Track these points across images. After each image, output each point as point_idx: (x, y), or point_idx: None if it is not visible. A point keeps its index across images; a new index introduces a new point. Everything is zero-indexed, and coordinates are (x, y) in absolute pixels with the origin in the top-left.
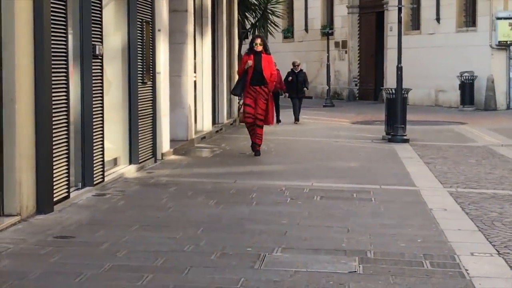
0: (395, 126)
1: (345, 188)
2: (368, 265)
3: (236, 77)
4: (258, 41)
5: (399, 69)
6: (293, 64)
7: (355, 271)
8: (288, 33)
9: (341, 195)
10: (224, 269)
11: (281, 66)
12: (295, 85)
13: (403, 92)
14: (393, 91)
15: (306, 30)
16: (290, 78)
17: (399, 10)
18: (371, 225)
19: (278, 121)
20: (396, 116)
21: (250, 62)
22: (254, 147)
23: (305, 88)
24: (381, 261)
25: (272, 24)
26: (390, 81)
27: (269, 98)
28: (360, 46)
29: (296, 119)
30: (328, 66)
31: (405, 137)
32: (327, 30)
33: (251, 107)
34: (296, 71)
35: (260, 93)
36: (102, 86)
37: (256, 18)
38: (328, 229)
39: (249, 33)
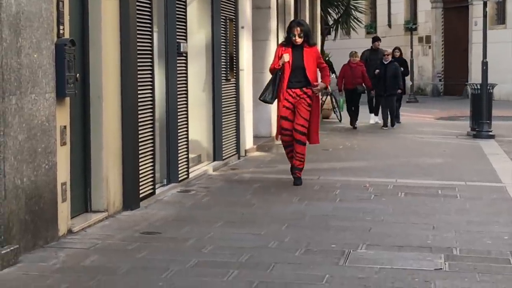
0: (480, 122)
1: (430, 184)
2: (454, 262)
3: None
4: (297, 31)
5: (484, 64)
6: (382, 53)
7: (441, 268)
8: (371, 29)
9: (426, 191)
10: (309, 266)
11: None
12: (383, 80)
13: (488, 87)
14: (478, 86)
15: (389, 25)
16: (377, 71)
17: (484, 4)
18: (456, 222)
19: (354, 127)
20: (481, 112)
21: (287, 57)
22: (293, 171)
23: (397, 87)
24: (467, 258)
25: (355, 19)
26: (475, 76)
27: (315, 106)
28: (444, 41)
29: (385, 124)
30: (411, 62)
31: (490, 133)
32: (411, 25)
33: (289, 121)
34: (386, 62)
35: (302, 98)
36: (186, 84)
37: (339, 14)
38: (413, 226)
39: (331, 29)
